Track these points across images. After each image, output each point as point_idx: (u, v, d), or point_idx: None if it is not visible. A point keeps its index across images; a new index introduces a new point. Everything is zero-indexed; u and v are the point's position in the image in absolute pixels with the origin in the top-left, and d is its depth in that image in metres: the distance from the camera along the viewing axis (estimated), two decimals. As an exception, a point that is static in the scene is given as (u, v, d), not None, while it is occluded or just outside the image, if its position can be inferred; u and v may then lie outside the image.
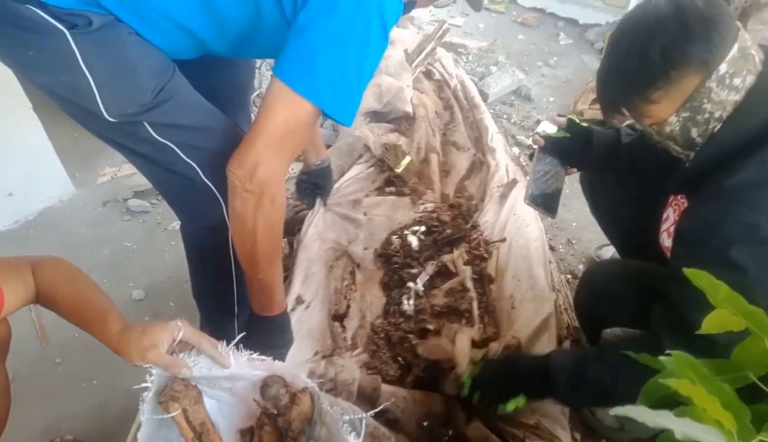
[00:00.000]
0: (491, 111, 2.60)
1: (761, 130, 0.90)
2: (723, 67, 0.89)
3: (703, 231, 0.92)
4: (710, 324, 0.70)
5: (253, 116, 1.21)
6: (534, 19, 3.48)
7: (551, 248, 1.87)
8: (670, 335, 0.93)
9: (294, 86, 0.97)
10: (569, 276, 1.82)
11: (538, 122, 2.55)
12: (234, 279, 1.33)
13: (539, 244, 1.70)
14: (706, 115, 0.93)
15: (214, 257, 1.29)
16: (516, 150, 2.35)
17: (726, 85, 0.90)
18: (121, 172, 2.26)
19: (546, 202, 1.31)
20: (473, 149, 2.17)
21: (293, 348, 1.34)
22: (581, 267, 1.87)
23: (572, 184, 1.82)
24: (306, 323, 1.48)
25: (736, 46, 0.89)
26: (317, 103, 0.99)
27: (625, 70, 0.95)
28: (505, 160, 2.02)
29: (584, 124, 1.36)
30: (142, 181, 2.18)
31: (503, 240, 1.71)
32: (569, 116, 1.37)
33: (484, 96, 2.65)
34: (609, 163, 1.32)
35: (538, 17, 3.50)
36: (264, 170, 1.01)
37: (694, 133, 0.96)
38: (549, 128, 2.40)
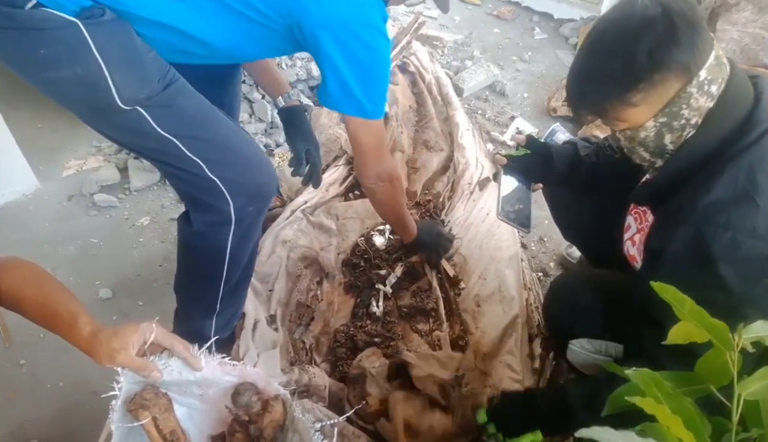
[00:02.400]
0: (466, 106, 2.60)
1: (723, 140, 0.91)
2: (703, 74, 0.89)
3: (683, 254, 0.91)
4: (675, 335, 0.72)
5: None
6: (509, 13, 3.48)
7: (523, 246, 1.90)
8: (670, 359, 0.90)
9: (360, 115, 1.23)
10: (540, 274, 1.85)
11: (512, 119, 2.57)
12: (224, 278, 1.33)
13: (511, 243, 1.72)
14: (683, 122, 0.92)
15: (210, 253, 1.29)
16: (490, 146, 2.37)
17: (704, 92, 0.90)
18: (87, 166, 2.19)
19: (518, 217, 1.33)
20: (446, 149, 2.18)
21: (262, 359, 1.34)
22: (552, 265, 1.90)
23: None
24: (270, 337, 1.47)
25: (713, 54, 0.90)
26: (378, 117, 1.25)
27: (608, 70, 0.91)
28: (475, 158, 2.03)
29: (542, 141, 1.37)
30: (109, 175, 2.13)
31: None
32: (528, 134, 1.37)
33: (459, 91, 2.65)
34: (570, 177, 1.33)
35: (513, 11, 3.51)
36: (384, 174, 1.36)
37: (668, 139, 0.95)
38: (524, 126, 2.43)
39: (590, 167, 1.29)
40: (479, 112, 2.64)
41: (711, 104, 0.91)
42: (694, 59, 0.88)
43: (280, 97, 1.61)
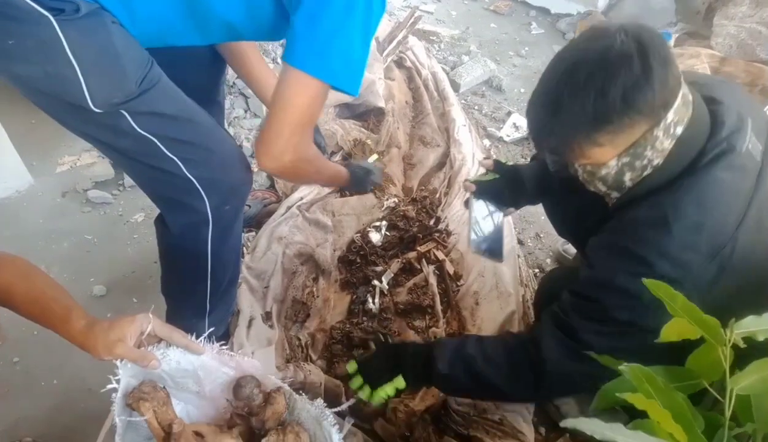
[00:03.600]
0: (462, 102, 2.60)
1: (676, 175, 0.92)
2: (670, 116, 0.87)
3: (598, 256, 0.98)
4: (668, 332, 0.72)
5: (231, 98, 1.24)
6: (506, 7, 3.47)
7: (520, 242, 1.90)
8: (554, 326, 1.01)
9: (310, 71, 1.00)
10: (537, 270, 1.85)
11: (509, 114, 2.56)
12: (209, 278, 1.32)
13: (508, 240, 1.72)
14: (645, 162, 0.91)
15: (191, 254, 1.27)
16: (487, 142, 2.36)
17: (669, 134, 0.89)
18: (81, 162, 2.18)
19: (490, 247, 1.29)
20: (442, 145, 2.17)
21: (257, 357, 1.33)
22: (549, 261, 1.90)
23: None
24: (266, 335, 1.47)
25: (680, 92, 0.88)
26: (332, 82, 1.02)
27: (577, 107, 0.86)
28: (472, 154, 2.03)
29: (510, 163, 1.34)
30: (103, 171, 2.12)
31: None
32: (495, 159, 1.34)
33: (456, 86, 2.64)
34: (543, 192, 1.31)
35: (510, 5, 3.50)
36: (293, 154, 1.09)
37: (627, 177, 0.94)
38: (521, 121, 2.40)
39: (561, 181, 1.27)
40: (476, 107, 2.64)
41: (672, 145, 0.90)
42: (664, 101, 0.86)
43: None
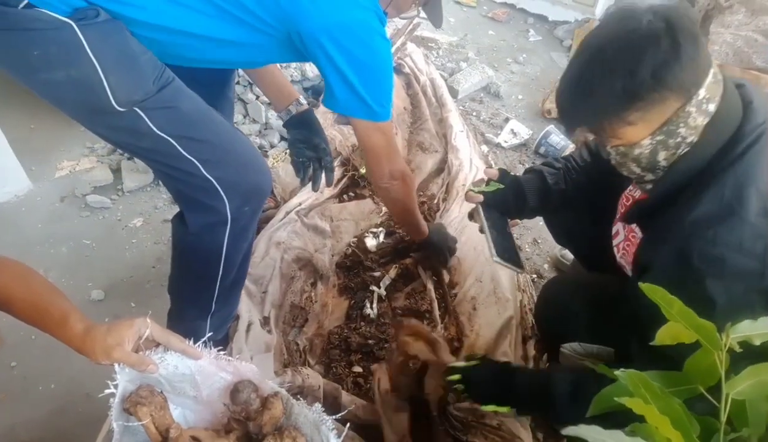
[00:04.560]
0: (460, 108, 2.61)
1: (716, 156, 0.90)
2: (702, 92, 0.87)
3: (670, 269, 0.91)
4: (663, 336, 0.72)
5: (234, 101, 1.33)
6: (504, 15, 3.50)
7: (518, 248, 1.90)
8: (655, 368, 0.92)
9: (368, 118, 1.24)
10: (534, 276, 1.85)
11: (506, 120, 2.57)
12: (219, 278, 1.33)
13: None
14: (679, 140, 0.90)
15: (206, 253, 1.29)
16: (485, 148, 2.37)
17: (702, 111, 0.88)
18: (80, 166, 2.18)
19: (511, 257, 1.28)
20: (440, 151, 2.18)
21: (255, 362, 1.33)
22: (546, 267, 1.91)
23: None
24: (264, 339, 1.47)
25: (711, 71, 0.88)
26: (386, 118, 1.27)
27: (606, 87, 0.87)
28: (469, 160, 2.04)
29: (513, 174, 1.33)
30: (101, 176, 2.12)
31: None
32: (501, 168, 1.34)
33: (454, 92, 2.66)
34: (543, 209, 1.32)
35: (508, 12, 3.52)
36: (396, 173, 1.37)
37: (662, 156, 0.93)
38: (519, 128, 2.41)
39: (560, 194, 1.28)
40: (474, 113, 2.65)
41: (707, 122, 0.89)
42: (695, 79, 0.86)
43: (291, 106, 1.56)
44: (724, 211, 0.87)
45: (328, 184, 1.59)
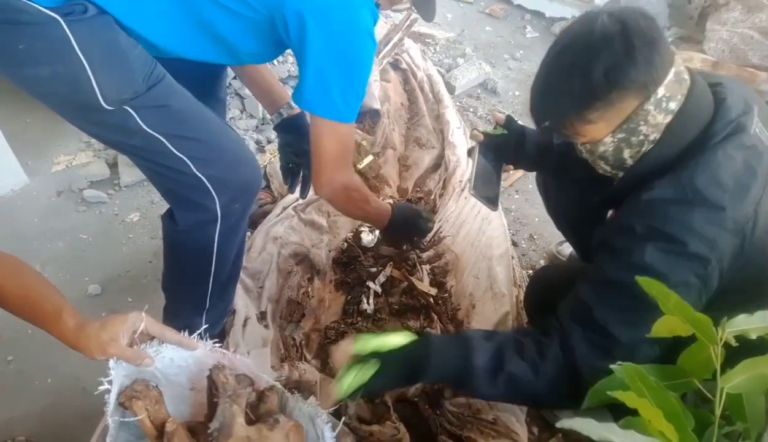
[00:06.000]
0: (458, 104, 2.61)
1: (682, 152, 0.93)
2: (661, 91, 0.90)
3: (620, 239, 0.94)
4: (659, 329, 0.73)
5: (227, 99, 1.28)
6: (501, 11, 3.50)
7: (514, 244, 1.91)
8: (580, 328, 0.95)
9: (332, 117, 1.16)
10: (530, 272, 1.86)
11: (503, 116, 2.58)
12: (212, 275, 1.33)
13: (501, 241, 1.73)
14: (641, 137, 0.94)
15: (197, 250, 1.28)
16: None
17: (662, 109, 0.91)
18: (77, 161, 2.17)
19: (488, 194, 1.31)
20: (437, 146, 2.18)
21: (252, 357, 1.34)
22: (542, 262, 1.91)
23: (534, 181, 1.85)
24: (260, 334, 1.47)
25: (672, 70, 0.91)
26: (350, 120, 1.19)
27: (565, 87, 0.92)
28: (466, 155, 2.04)
29: (520, 123, 1.37)
30: (98, 171, 2.11)
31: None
32: (509, 114, 1.37)
33: (451, 88, 2.66)
34: (540, 161, 1.35)
35: (505, 9, 3.52)
36: (339, 183, 1.28)
37: (626, 154, 0.97)
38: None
39: (559, 156, 1.30)
40: (470, 109, 2.65)
41: (669, 120, 0.92)
42: (652, 78, 0.89)
43: (282, 109, 1.52)
44: (678, 194, 0.90)
45: (302, 197, 1.59)
